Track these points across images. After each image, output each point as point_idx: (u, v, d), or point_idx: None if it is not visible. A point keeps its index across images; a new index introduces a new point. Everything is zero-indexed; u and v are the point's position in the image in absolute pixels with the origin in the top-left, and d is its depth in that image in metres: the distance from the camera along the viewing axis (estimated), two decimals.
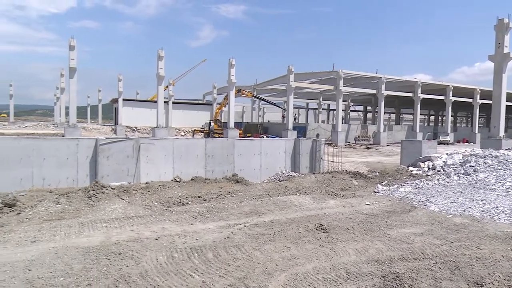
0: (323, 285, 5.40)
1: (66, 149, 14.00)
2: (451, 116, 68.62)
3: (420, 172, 16.15)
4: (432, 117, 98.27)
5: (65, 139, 15.84)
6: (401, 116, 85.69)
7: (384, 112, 60.30)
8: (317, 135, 44.45)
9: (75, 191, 10.74)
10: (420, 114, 63.27)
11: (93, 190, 10.57)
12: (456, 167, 16.13)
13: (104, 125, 68.94)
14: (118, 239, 7.15)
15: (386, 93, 52.63)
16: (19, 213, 9.01)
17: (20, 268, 5.71)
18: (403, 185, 13.43)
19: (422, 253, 6.71)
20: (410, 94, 56.83)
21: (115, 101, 61.91)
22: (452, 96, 59.02)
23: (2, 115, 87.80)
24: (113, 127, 58.59)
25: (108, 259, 6.13)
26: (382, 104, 53.23)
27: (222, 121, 52.74)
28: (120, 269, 5.74)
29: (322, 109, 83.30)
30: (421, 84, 56.12)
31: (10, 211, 9.16)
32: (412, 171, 16.54)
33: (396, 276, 5.54)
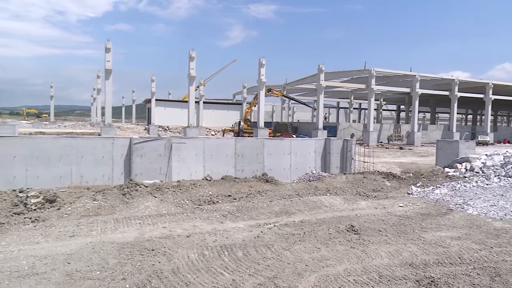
0: (354, 287, 5.30)
1: (102, 148, 14.51)
2: (491, 115, 65.53)
3: (457, 173, 15.52)
4: (470, 117, 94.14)
5: (101, 138, 16.44)
6: (436, 116, 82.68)
7: (419, 111, 58.43)
8: (352, 135, 43.63)
9: (110, 188, 11.13)
10: (457, 113, 60.73)
11: (128, 188, 10.90)
12: (496, 169, 15.38)
13: (138, 124, 70.97)
14: (151, 236, 7.34)
15: (420, 91, 50.96)
16: (59, 209, 9.44)
17: (60, 261, 5.98)
18: (439, 187, 12.96)
19: (459, 257, 6.45)
20: (446, 93, 54.72)
21: (148, 101, 63.57)
22: (492, 94, 56.30)
23: (44, 115, 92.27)
24: (146, 126, 60.19)
25: (142, 255, 6.30)
26: (417, 103, 51.58)
27: (252, 120, 52.92)
28: (153, 265, 5.90)
29: (353, 108, 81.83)
30: (458, 82, 53.89)
31: (51, 207, 9.61)
32: (448, 172, 15.92)
33: (432, 281, 5.36)
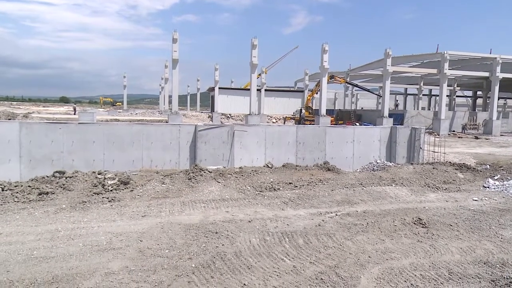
0: (421, 282, 5.07)
1: (169, 134, 15.30)
2: None
3: None
4: None
5: (169, 125, 17.31)
6: None
7: (499, 98, 53.16)
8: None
9: (177, 173, 11.74)
10: None
11: (193, 173, 11.41)
12: None
13: (202, 112, 73.48)
14: (215, 219, 7.64)
15: (501, 75, 46.20)
16: (132, 190, 10.19)
17: (133, 238, 6.48)
18: None
19: None
20: None
21: (212, 89, 65.39)
22: None
23: (118, 103, 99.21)
24: (210, 114, 62.09)
25: (206, 237, 6.60)
26: (496, 88, 46.90)
27: (314, 108, 52.10)
28: (217, 247, 6.14)
29: (423, 95, 76.78)
30: None
31: (125, 188, 10.41)
32: None
33: (510, 282, 4.94)
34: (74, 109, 55.41)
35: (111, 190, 10.21)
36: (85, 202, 8.74)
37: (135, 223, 7.35)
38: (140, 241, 6.36)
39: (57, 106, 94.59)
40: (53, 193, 9.68)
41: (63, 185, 10.47)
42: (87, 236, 6.55)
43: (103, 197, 9.27)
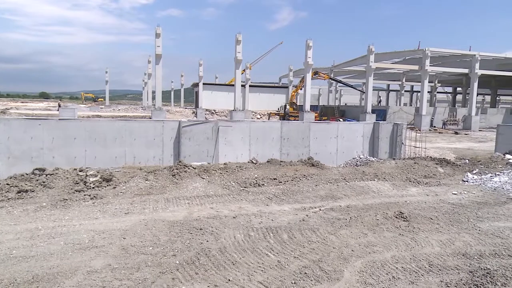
0: (403, 275, 5.18)
1: (153, 130, 15.15)
2: None
3: None
4: None
5: (152, 121, 17.15)
6: (497, 98, 76.59)
7: (478, 94, 54.49)
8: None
9: (161, 169, 11.62)
10: None
11: (177, 169, 11.33)
12: None
13: (186, 108, 72.90)
14: (199, 216, 7.62)
15: (480, 72, 47.37)
16: (115, 187, 10.04)
17: (116, 236, 6.40)
18: (498, 175, 12.12)
19: None
20: (510, 73, 50.43)
21: (196, 85, 64.95)
22: None
23: (100, 99, 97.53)
24: (194, 110, 61.69)
25: (191, 233, 6.57)
26: (475, 84, 48.07)
27: (298, 104, 52.35)
28: (201, 243, 6.13)
29: (405, 91, 78.03)
30: None
31: (108, 185, 10.25)
32: (509, 159, 14.81)
33: (487, 273, 5.10)
34: (59, 106, 54.29)
35: (93, 187, 10.05)
36: (66, 199, 8.58)
37: (118, 220, 7.27)
38: (123, 238, 6.29)
39: (36, 102, 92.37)
40: (32, 191, 9.46)
41: (43, 182, 10.23)
42: (69, 234, 6.43)
43: (85, 195, 9.11)
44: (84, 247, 5.88)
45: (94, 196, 8.95)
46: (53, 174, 10.90)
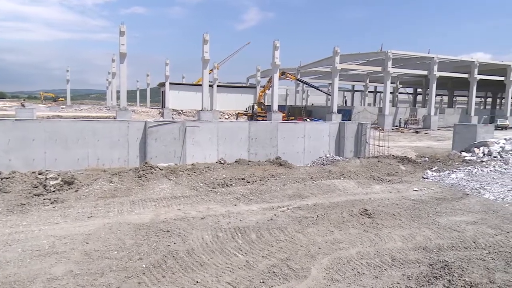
0: (367, 270, 5.33)
1: (118, 131, 14.72)
2: None
3: (474, 158, 15.23)
4: (489, 100, 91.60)
5: (117, 122, 16.66)
6: (454, 99, 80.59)
7: (436, 95, 57.14)
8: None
9: (126, 171, 11.32)
10: (476, 97, 59.10)
11: (143, 171, 11.07)
12: None
13: (152, 108, 71.43)
14: (166, 218, 7.48)
15: (438, 74, 49.72)
16: (77, 191, 9.67)
17: (78, 241, 6.16)
18: (455, 171, 12.77)
19: (474, 242, 6.40)
20: (465, 75, 53.23)
21: (162, 85, 63.78)
22: None
23: (60, 99, 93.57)
24: (161, 110, 60.57)
25: (157, 236, 6.44)
26: (434, 86, 50.41)
27: (266, 104, 52.67)
28: (168, 245, 6.02)
29: (369, 92, 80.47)
30: (478, 64, 52.28)
31: (69, 188, 9.86)
32: (465, 157, 15.64)
33: (445, 265, 5.35)
34: (23, 106, 51.49)
35: (53, 191, 9.63)
36: (24, 204, 8.17)
37: (80, 224, 7.00)
38: (86, 243, 6.07)
39: None
40: None
41: None
42: (27, 240, 6.13)
43: (44, 199, 8.71)
44: (43, 254, 5.62)
45: (55, 200, 8.57)
46: (9, 177, 10.33)
